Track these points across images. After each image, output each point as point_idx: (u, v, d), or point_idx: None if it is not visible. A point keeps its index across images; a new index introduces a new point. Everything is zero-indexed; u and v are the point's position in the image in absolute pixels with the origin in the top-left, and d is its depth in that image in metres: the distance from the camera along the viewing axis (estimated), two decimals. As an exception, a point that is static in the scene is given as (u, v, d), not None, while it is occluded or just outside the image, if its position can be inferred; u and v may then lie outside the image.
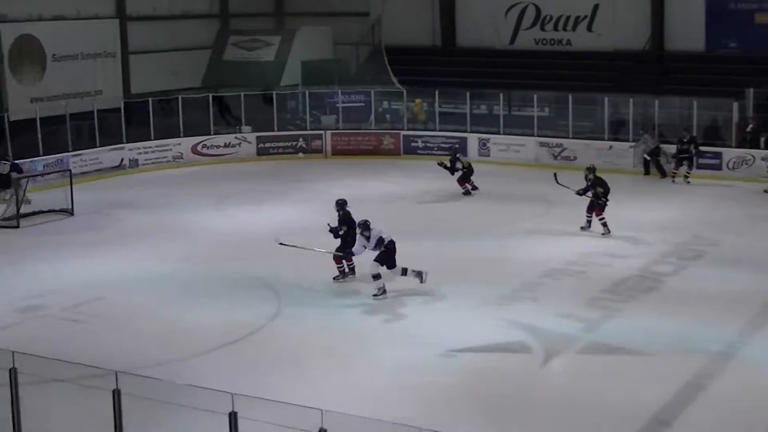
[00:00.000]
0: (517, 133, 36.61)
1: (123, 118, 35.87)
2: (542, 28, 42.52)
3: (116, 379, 11.11)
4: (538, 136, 36.07)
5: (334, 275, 21.82)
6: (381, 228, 20.99)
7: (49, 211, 28.42)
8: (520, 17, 42.84)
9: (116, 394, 11.17)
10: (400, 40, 44.03)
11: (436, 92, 37.81)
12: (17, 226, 27.24)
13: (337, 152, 38.17)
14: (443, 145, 36.61)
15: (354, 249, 21.23)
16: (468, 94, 37.36)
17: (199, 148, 37.08)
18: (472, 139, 36.81)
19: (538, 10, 42.43)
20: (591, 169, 26.02)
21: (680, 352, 17.39)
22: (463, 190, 30.76)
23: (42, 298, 20.83)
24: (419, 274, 20.84)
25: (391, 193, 31.10)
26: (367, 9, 45.26)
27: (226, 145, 37.53)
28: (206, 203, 30.10)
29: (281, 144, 38.09)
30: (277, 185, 32.52)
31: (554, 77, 39.44)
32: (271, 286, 21.37)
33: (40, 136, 33.38)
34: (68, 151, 33.75)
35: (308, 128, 38.77)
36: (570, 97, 35.71)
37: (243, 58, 44.50)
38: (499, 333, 18.44)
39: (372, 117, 39.43)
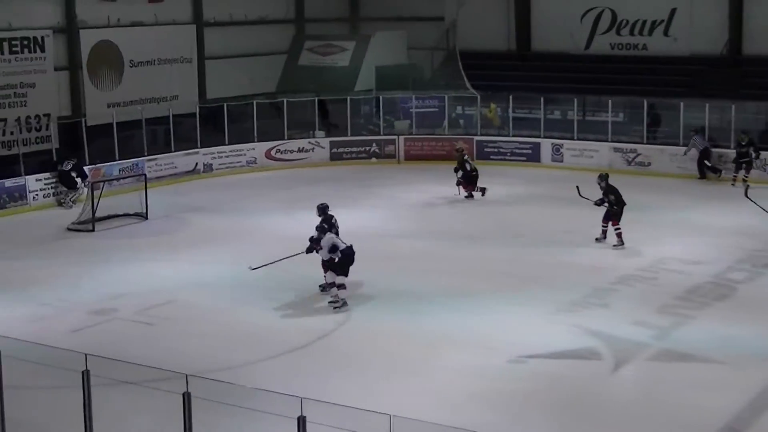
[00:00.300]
0: (591, 138, 36.38)
1: (198, 123, 36.20)
2: (618, 33, 42.08)
3: (186, 383, 11.18)
4: (612, 141, 35.79)
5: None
6: (335, 235, 20.94)
7: (123, 215, 28.73)
8: (595, 22, 42.46)
9: (186, 397, 11.23)
10: (475, 45, 43.84)
11: (510, 97, 37.67)
12: (92, 230, 27.57)
13: (410, 157, 38.15)
14: (517, 151, 36.48)
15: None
16: (542, 99, 37.17)
17: (272, 152, 37.29)
18: (546, 145, 36.64)
19: (614, 14, 42.03)
20: (603, 177, 25.52)
21: (753, 360, 17.16)
22: (465, 194, 30.66)
23: (115, 301, 21.07)
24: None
25: (463, 199, 30.97)
26: (441, 13, 45.10)
27: (299, 150, 37.69)
28: (278, 208, 30.23)
29: (354, 149, 38.19)
30: (350, 190, 32.55)
31: (629, 82, 39.01)
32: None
33: (116, 140, 33.79)
34: (143, 156, 34.15)
35: (381, 133, 38.83)
36: (645, 102, 35.41)
37: (318, 63, 44.56)
38: (570, 339, 18.33)
39: (445, 122, 39.35)
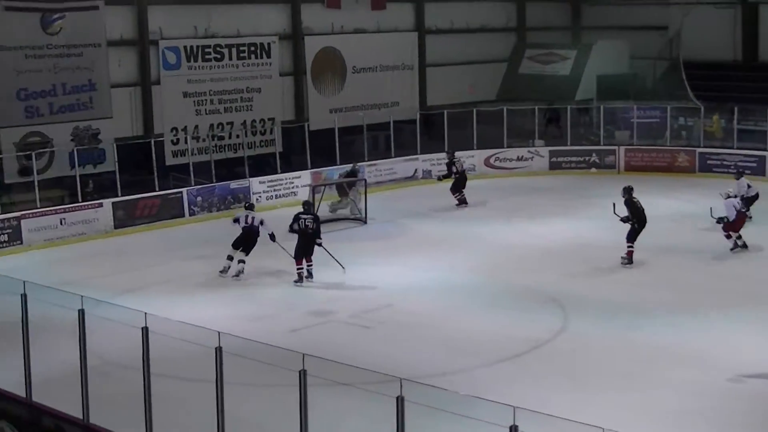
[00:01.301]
0: (820, 151, 35.12)
1: (418, 130, 36.51)
2: None
3: (400, 387, 11.24)
4: (842, 154, 34.49)
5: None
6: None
7: (344, 219, 29.19)
8: (828, 31, 40.99)
9: (400, 401, 11.29)
10: (699, 55, 42.77)
11: (735, 108, 36.63)
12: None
13: (630, 168, 37.52)
14: (741, 164, 35.45)
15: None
16: (768, 111, 36.06)
17: (491, 160, 37.31)
18: (772, 158, 35.55)
19: None
20: (627, 190, 24.70)
21: None
22: (456, 202, 30.02)
23: (333, 303, 21.46)
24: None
25: (683, 212, 30.28)
26: (666, 22, 44.25)
27: (518, 159, 37.58)
28: (496, 216, 30.20)
29: (574, 159, 37.83)
30: (568, 200, 32.26)
31: None
32: (558, 301, 21.22)
33: (337, 145, 34.39)
34: (364, 161, 34.65)
35: (601, 143, 38.33)
36: None
37: (538, 72, 44.33)
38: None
39: (667, 133, 38.55)
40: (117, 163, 30.47)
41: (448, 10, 42.55)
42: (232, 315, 20.47)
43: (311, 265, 23.48)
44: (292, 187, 32.95)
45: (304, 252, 23.46)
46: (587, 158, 37.79)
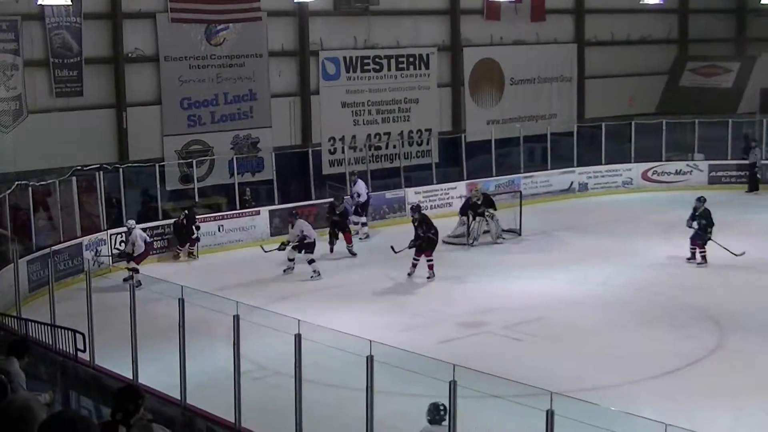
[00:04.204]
0: None
1: (575, 142, 36.23)
2: None
3: (551, 400, 11.17)
4: None
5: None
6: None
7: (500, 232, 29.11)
8: None
9: (549, 415, 11.22)
10: None
11: None
12: (471, 244, 28.14)
13: (795, 183, 36.54)
14: None
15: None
16: None
17: (649, 174, 36.77)
18: None
19: None
20: (701, 200, 25.97)
21: None
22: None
23: (485, 315, 21.43)
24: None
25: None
26: (837, 33, 43.07)
27: (677, 173, 36.92)
28: (653, 230, 29.73)
29: (734, 173, 36.98)
30: (728, 215, 31.50)
31: None
32: (714, 318, 20.82)
33: (493, 157, 34.36)
34: (520, 173, 34.53)
35: (763, 157, 37.37)
36: None
37: (699, 84, 43.57)
38: None
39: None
40: (275, 172, 31.01)
41: (609, 21, 42.10)
42: (383, 324, 20.60)
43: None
44: (447, 198, 33.02)
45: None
46: (747, 173, 36.85)
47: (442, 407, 12.54)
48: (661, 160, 36.98)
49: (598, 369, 18.02)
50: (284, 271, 25.59)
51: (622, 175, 36.48)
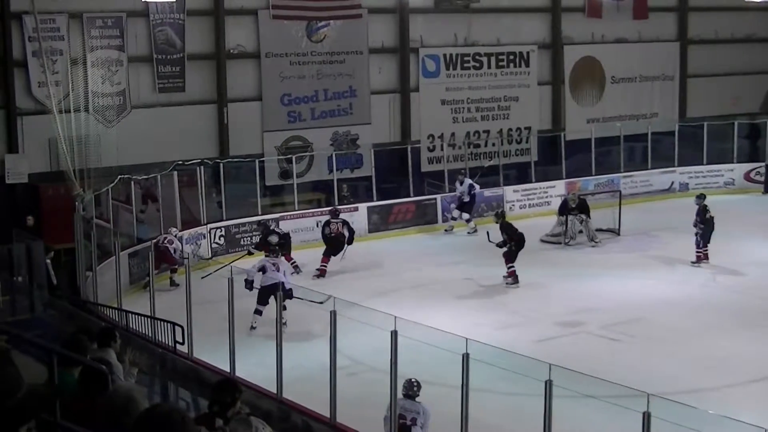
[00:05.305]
0: None
1: (676, 142, 35.81)
2: None
3: (647, 402, 11.09)
4: None
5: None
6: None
7: (597, 230, 28.88)
8: None
9: (646, 417, 11.13)
10: None
11: None
12: (566, 243, 27.99)
13: None
14: None
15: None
16: None
17: (752, 175, 36.17)
18: None
19: None
20: (499, 215, 25.32)
21: None
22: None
23: (582, 314, 21.29)
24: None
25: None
26: None
27: (780, 174, 36.33)
28: (756, 232, 29.27)
29: (840, 175, 36.25)
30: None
31: None
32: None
33: (593, 155, 34.11)
34: (619, 172, 34.24)
35: None
36: None
37: (805, 84, 42.78)
38: None
39: None
40: (374, 168, 31.12)
41: (713, 19, 41.41)
42: (479, 322, 20.58)
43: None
44: (546, 197, 32.87)
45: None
46: None
47: (416, 383, 13.53)
48: (764, 161, 36.35)
49: (696, 371, 17.81)
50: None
51: (723, 176, 35.95)
